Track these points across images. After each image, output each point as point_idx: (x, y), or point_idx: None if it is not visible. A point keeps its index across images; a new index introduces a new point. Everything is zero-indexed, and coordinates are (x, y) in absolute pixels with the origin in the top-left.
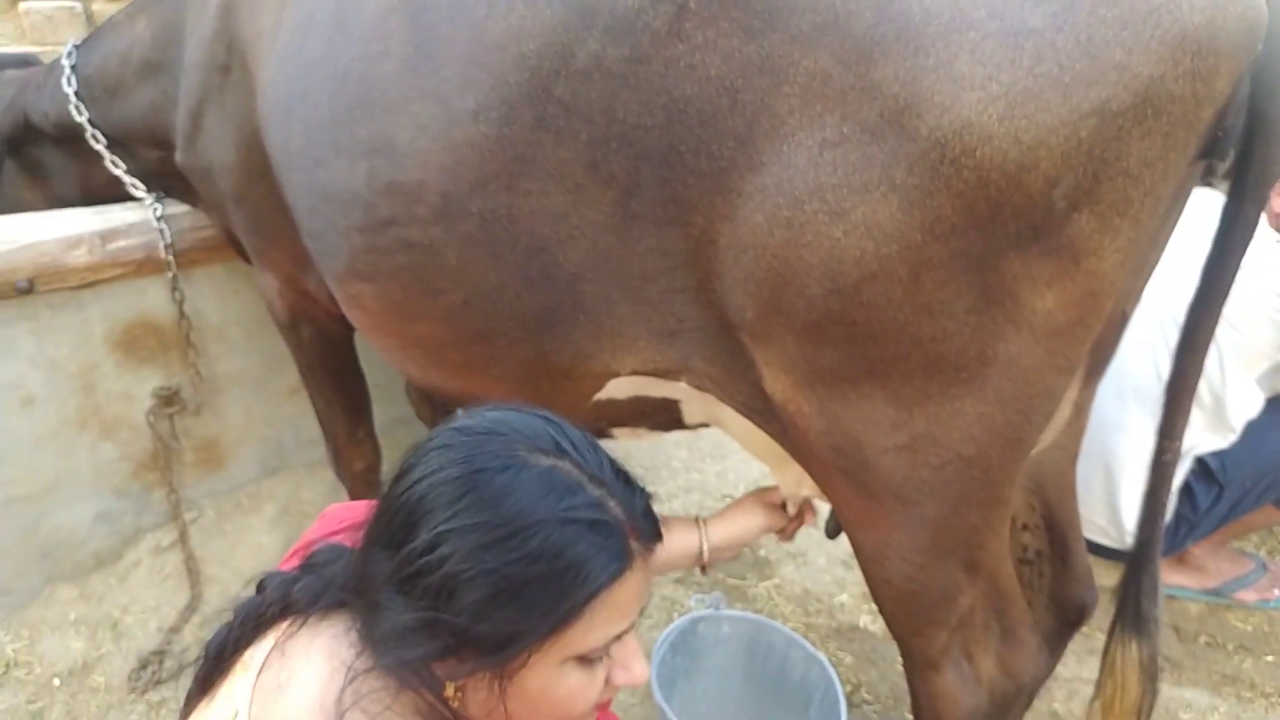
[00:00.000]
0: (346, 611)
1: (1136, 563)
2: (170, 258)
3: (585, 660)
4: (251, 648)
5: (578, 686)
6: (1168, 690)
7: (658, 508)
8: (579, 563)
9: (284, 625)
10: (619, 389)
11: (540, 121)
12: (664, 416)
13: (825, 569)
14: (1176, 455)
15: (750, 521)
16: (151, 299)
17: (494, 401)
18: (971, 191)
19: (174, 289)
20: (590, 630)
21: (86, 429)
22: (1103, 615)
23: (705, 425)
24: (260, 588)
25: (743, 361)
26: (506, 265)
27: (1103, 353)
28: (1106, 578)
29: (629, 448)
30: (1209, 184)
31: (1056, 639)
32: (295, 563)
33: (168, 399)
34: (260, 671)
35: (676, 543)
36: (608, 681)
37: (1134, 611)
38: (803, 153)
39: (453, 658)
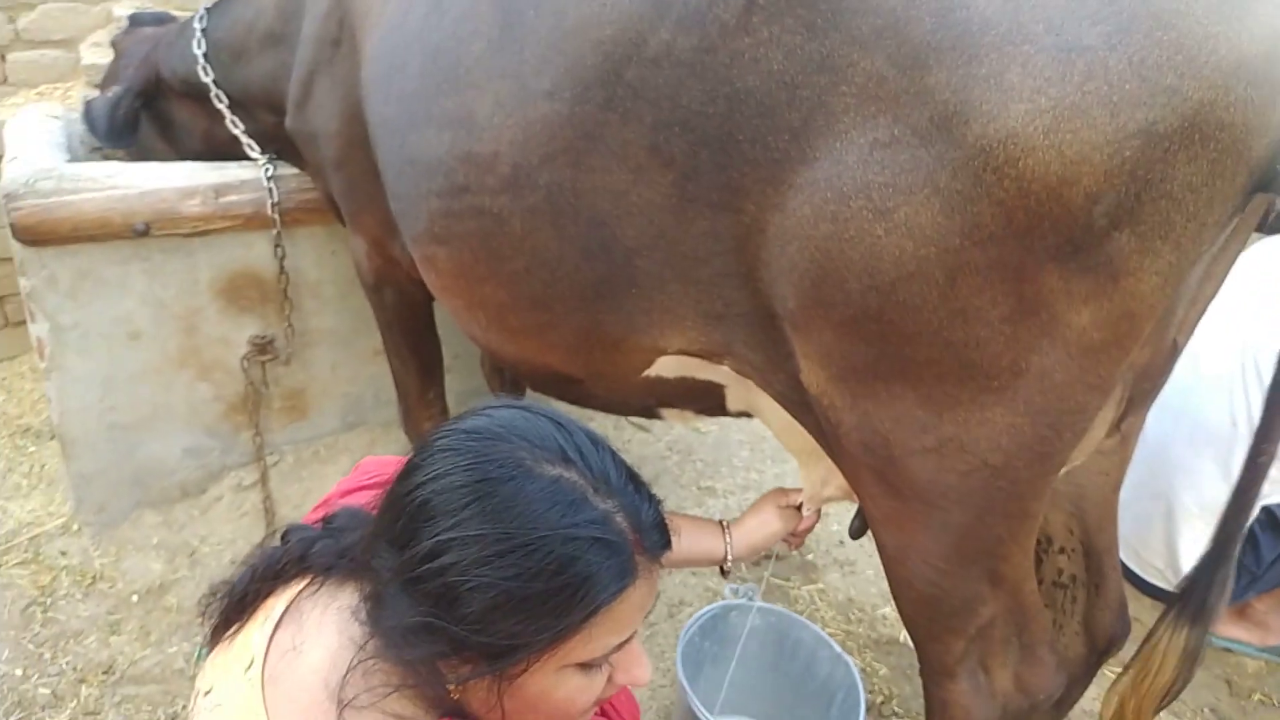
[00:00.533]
0: (359, 582)
1: (1213, 556)
2: (276, 215)
3: (585, 666)
4: (272, 597)
5: (576, 690)
6: None
7: (714, 503)
8: (582, 579)
9: (301, 583)
10: (667, 368)
11: (609, 103)
12: (709, 401)
13: (873, 580)
14: (1271, 458)
15: (770, 528)
16: (256, 252)
17: (504, 399)
18: (1012, 201)
19: (277, 245)
20: (590, 641)
21: (185, 368)
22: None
23: (747, 415)
24: (284, 538)
25: (783, 351)
26: (567, 236)
27: (1150, 381)
28: (1150, 617)
29: (691, 441)
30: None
31: (1085, 667)
32: (322, 513)
33: (262, 347)
34: (277, 627)
35: (700, 545)
36: (610, 681)
37: (1199, 602)
38: (854, 150)
39: (454, 658)
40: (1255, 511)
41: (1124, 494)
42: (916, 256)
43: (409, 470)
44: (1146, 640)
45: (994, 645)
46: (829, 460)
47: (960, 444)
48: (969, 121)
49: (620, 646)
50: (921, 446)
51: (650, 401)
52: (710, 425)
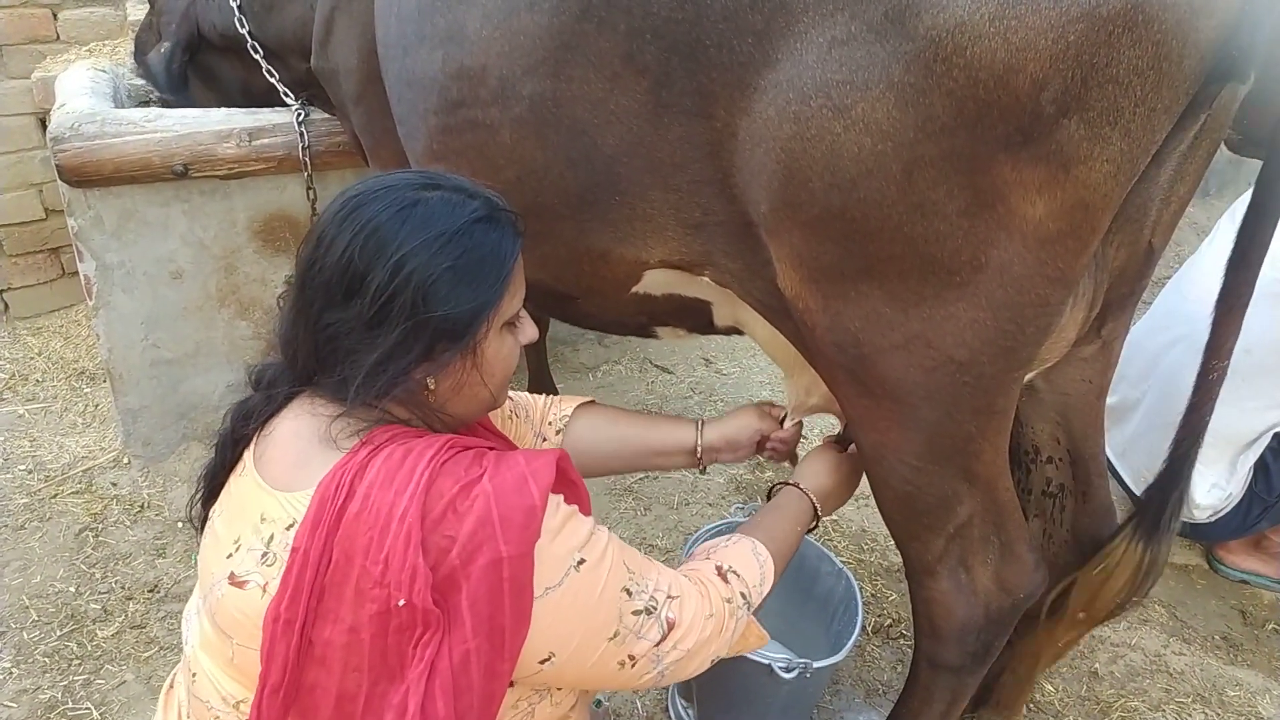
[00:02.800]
0: (304, 396)
1: (1166, 477)
2: (306, 159)
3: (510, 325)
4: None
5: (510, 346)
6: (1219, 667)
7: None
8: (495, 243)
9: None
10: (654, 283)
11: (585, 13)
12: (698, 318)
13: None
14: (1222, 375)
15: (744, 422)
16: (290, 195)
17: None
18: (962, 91)
19: (309, 188)
20: (512, 298)
21: (225, 306)
22: (1163, 589)
23: (736, 331)
24: (224, 420)
25: (761, 258)
26: (551, 145)
27: (1127, 285)
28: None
29: (713, 382)
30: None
31: (1075, 574)
32: None
33: None
34: (255, 460)
35: (673, 435)
36: (516, 342)
37: (1153, 520)
38: (813, 50)
39: (427, 360)
40: (1267, 438)
41: (1138, 428)
42: (874, 152)
43: (320, 245)
44: (1104, 547)
45: (973, 544)
46: (813, 370)
47: (926, 340)
48: (920, 14)
49: (521, 311)
50: (890, 344)
51: (643, 319)
52: (731, 366)
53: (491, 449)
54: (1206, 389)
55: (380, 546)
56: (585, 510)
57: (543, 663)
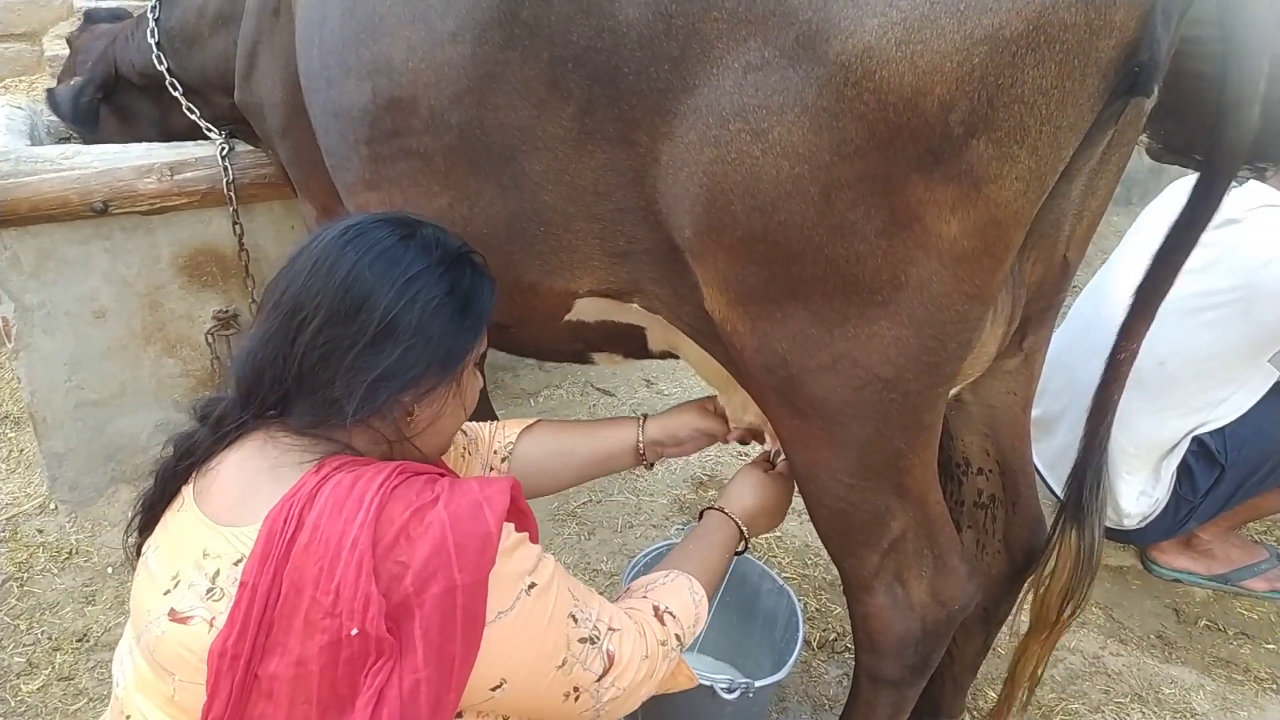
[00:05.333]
0: (258, 431)
1: (1081, 458)
2: (231, 194)
3: (476, 364)
4: (187, 484)
5: (475, 385)
6: (1155, 665)
7: (676, 463)
8: (482, 279)
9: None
10: (586, 311)
11: (508, 42)
12: (632, 343)
13: None
14: (1132, 357)
15: (685, 419)
16: (215, 229)
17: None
18: (873, 114)
19: (235, 223)
20: (481, 340)
21: (151, 344)
22: (1099, 591)
23: (672, 355)
24: (165, 447)
25: (688, 283)
26: (482, 171)
27: (1045, 300)
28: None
29: (655, 405)
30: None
31: (1007, 583)
32: None
33: (226, 321)
34: (196, 496)
35: (617, 436)
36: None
37: (1075, 502)
38: (729, 75)
39: (415, 385)
40: (1186, 443)
41: (1064, 440)
42: (792, 175)
43: (327, 261)
44: (1045, 549)
45: (908, 558)
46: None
47: (852, 359)
48: (829, 39)
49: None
50: (817, 364)
51: (578, 346)
52: (672, 387)
53: (442, 475)
54: (1115, 369)
55: (331, 576)
56: (534, 538)
57: (494, 689)
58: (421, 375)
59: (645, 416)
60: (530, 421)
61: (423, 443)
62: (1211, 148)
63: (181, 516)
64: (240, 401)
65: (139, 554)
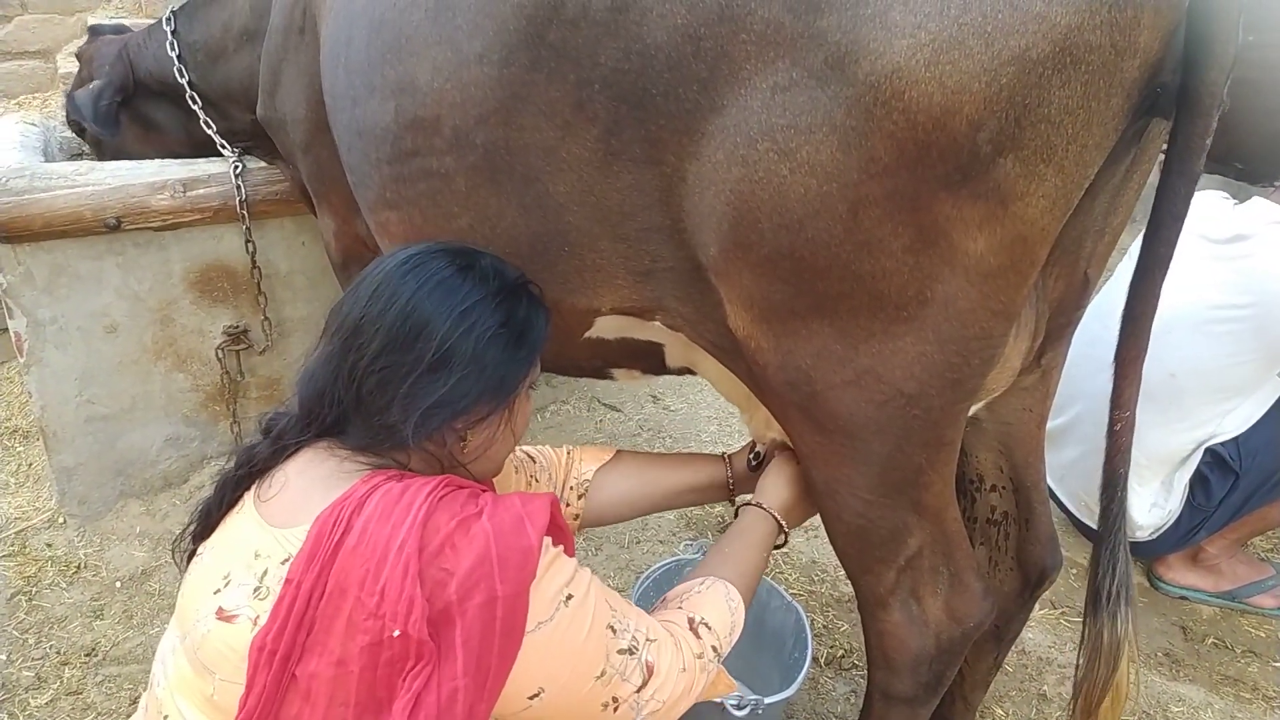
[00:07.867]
0: (318, 446)
1: (1100, 540)
2: (244, 212)
3: (529, 390)
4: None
5: (528, 410)
6: (1162, 684)
7: None
8: (537, 308)
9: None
10: (607, 328)
11: (535, 64)
12: (651, 360)
13: None
14: (1129, 426)
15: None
16: (226, 245)
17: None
18: (902, 133)
19: (247, 240)
20: (534, 369)
21: (162, 359)
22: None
23: (690, 371)
24: (229, 459)
25: (711, 300)
26: (505, 192)
27: (1065, 315)
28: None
29: (661, 419)
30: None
31: (1020, 600)
32: None
33: (236, 337)
34: (256, 501)
35: (705, 472)
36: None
37: (1095, 598)
38: (757, 96)
39: (467, 412)
40: (1199, 455)
41: (1074, 453)
42: (820, 193)
43: (387, 290)
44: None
45: (924, 575)
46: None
47: (876, 375)
48: (859, 60)
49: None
50: (841, 380)
51: (598, 363)
52: (679, 403)
53: (485, 490)
54: (1114, 441)
55: (376, 578)
56: (570, 553)
57: (531, 698)
58: (475, 403)
59: (728, 455)
60: (606, 454)
61: (475, 468)
62: (1188, 90)
63: (239, 518)
64: (301, 419)
65: (191, 558)
